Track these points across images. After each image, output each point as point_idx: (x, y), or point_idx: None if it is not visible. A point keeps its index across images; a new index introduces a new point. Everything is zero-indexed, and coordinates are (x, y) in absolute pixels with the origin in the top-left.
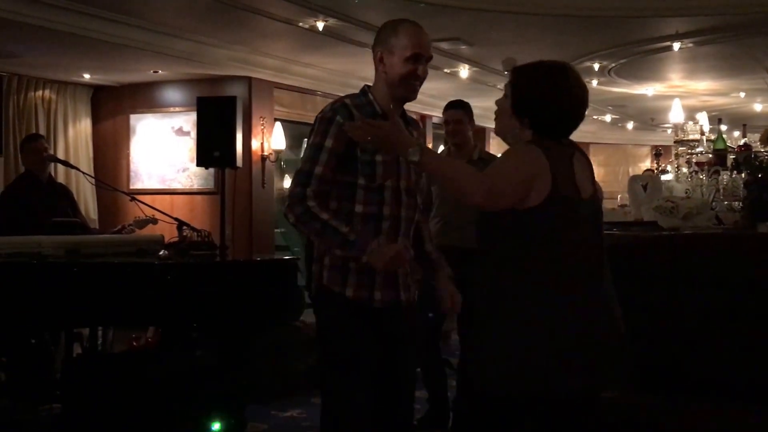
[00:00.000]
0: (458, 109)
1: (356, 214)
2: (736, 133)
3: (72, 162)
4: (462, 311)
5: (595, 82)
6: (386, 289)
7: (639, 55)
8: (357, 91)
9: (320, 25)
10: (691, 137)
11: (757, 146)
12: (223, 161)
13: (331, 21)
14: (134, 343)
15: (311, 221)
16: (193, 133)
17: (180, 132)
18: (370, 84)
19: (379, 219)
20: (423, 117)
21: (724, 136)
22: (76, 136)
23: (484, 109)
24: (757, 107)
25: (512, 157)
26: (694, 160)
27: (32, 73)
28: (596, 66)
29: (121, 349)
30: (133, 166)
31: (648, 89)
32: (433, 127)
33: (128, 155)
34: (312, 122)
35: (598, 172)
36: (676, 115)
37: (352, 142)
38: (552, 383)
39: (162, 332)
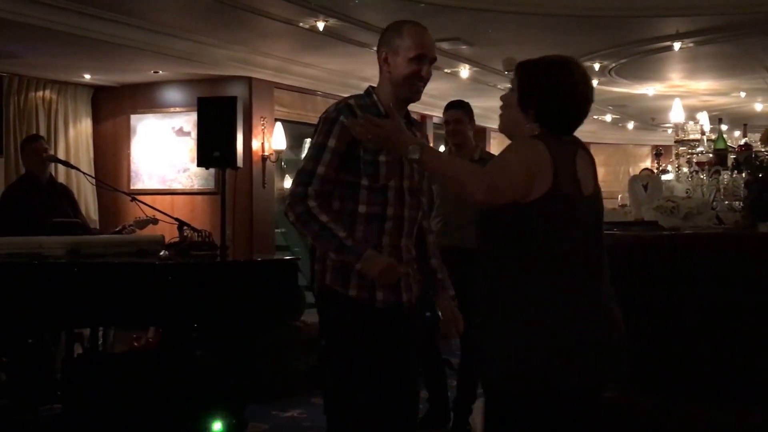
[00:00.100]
0: (458, 109)
1: (359, 215)
2: (737, 133)
3: (72, 162)
4: (462, 311)
5: (595, 82)
6: (388, 289)
7: (639, 55)
8: (357, 90)
9: (320, 25)
10: (691, 137)
11: (758, 146)
12: (223, 161)
13: (331, 21)
14: (135, 344)
15: (310, 222)
16: (194, 134)
17: (180, 132)
18: (372, 84)
19: (382, 219)
20: (423, 117)
21: (725, 135)
22: (77, 136)
23: (485, 109)
24: (758, 107)
25: (514, 152)
26: (694, 160)
27: (32, 74)
28: (596, 66)
29: (121, 349)
30: (133, 167)
31: (648, 89)
32: (433, 127)
33: (129, 155)
34: (312, 122)
35: (599, 172)
36: (676, 114)
37: (354, 142)
38: (552, 382)
39: (163, 332)
